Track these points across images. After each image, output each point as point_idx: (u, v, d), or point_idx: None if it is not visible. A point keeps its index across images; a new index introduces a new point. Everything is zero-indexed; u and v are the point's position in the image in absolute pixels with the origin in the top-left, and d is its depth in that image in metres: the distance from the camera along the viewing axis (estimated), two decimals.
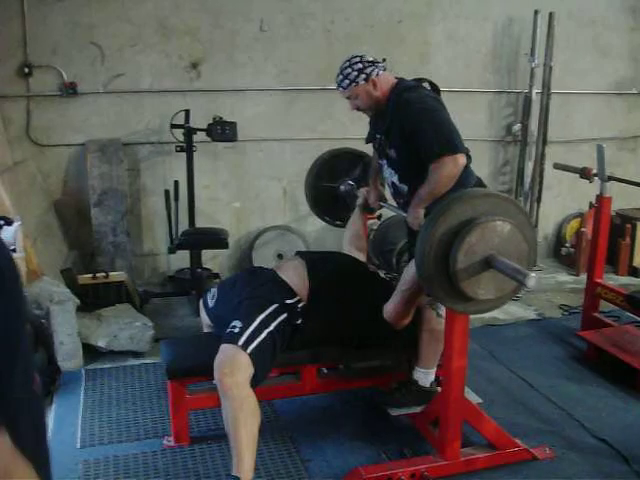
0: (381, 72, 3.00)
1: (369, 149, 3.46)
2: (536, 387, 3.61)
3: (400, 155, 3.04)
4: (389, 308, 2.91)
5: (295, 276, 2.98)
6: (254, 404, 2.56)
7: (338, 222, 3.95)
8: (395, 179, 3.14)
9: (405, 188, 3.09)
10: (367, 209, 3.58)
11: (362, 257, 3.47)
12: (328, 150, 3.99)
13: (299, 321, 2.86)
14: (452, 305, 2.51)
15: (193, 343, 3.16)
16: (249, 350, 2.62)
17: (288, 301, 2.86)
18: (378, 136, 3.14)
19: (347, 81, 2.99)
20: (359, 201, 3.55)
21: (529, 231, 2.47)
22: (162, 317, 4.47)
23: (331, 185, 3.80)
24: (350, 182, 3.71)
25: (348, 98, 3.08)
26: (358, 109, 3.13)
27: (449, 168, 2.79)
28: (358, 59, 3.00)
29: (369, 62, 2.99)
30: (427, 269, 2.40)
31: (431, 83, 3.10)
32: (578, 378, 3.73)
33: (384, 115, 3.05)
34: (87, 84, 4.76)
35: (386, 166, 3.18)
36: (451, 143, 2.83)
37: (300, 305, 2.88)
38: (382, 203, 3.49)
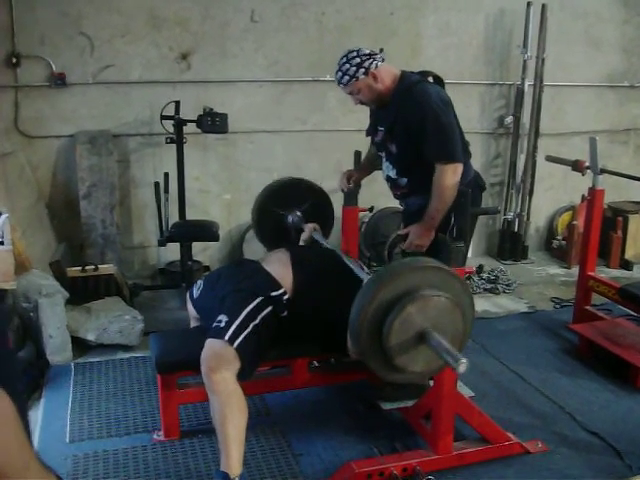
0: (380, 63, 2.98)
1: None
2: (528, 380, 3.60)
3: (401, 150, 3.03)
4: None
5: (280, 268, 2.94)
6: (241, 399, 2.54)
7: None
8: (393, 173, 3.13)
9: (405, 181, 3.10)
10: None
11: None
12: (285, 178, 3.88)
13: (285, 313, 2.83)
14: (380, 372, 2.42)
15: (183, 336, 3.14)
16: (235, 344, 2.59)
17: (273, 293, 2.82)
18: (380, 129, 3.12)
19: (347, 77, 2.96)
20: (304, 236, 3.45)
21: (470, 312, 2.39)
22: (152, 310, 4.44)
23: (280, 212, 3.64)
24: (298, 214, 3.60)
25: (350, 94, 3.05)
26: (361, 103, 3.11)
27: (448, 178, 2.86)
28: (355, 53, 2.96)
29: (366, 55, 2.96)
30: (362, 340, 2.31)
31: (435, 76, 3.08)
32: (570, 371, 3.73)
33: (388, 109, 3.03)
34: (76, 75, 4.71)
35: (384, 160, 3.17)
36: (450, 152, 2.88)
37: (285, 297, 2.85)
38: (324, 242, 3.34)
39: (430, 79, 3.05)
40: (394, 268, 2.40)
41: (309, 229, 3.44)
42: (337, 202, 3.73)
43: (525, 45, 5.45)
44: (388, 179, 3.20)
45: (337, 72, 2.99)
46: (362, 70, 2.93)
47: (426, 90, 2.93)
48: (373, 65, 2.95)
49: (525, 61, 5.49)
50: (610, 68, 5.94)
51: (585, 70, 5.84)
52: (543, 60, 5.48)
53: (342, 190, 3.54)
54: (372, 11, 5.21)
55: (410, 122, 2.92)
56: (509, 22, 5.56)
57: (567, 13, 5.68)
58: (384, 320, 2.26)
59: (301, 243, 3.46)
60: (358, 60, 2.94)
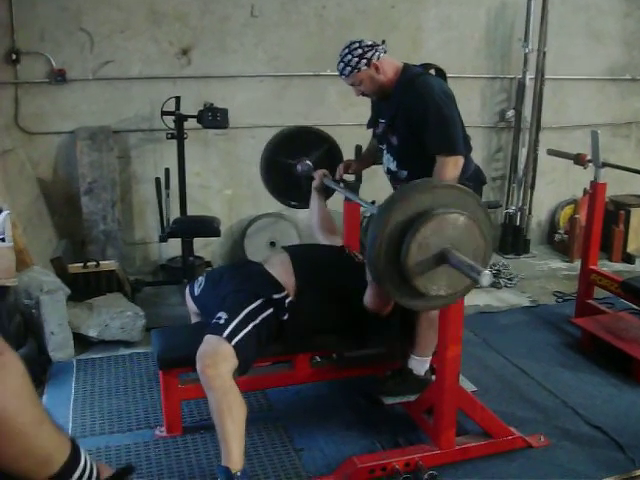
0: (382, 55, 2.97)
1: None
2: (530, 374, 3.60)
3: (402, 142, 3.03)
4: (367, 298, 2.87)
5: (282, 270, 2.93)
6: (237, 394, 2.53)
7: (293, 203, 3.80)
8: (393, 165, 3.12)
9: (405, 173, 3.09)
10: (323, 191, 3.47)
11: (337, 240, 3.41)
12: (291, 126, 3.83)
13: (286, 316, 2.82)
14: (400, 299, 2.41)
15: (185, 332, 3.13)
16: (233, 342, 2.58)
17: (275, 296, 2.80)
18: (382, 121, 3.11)
19: (349, 68, 2.95)
20: (315, 183, 3.43)
21: (487, 226, 2.36)
22: (154, 306, 4.43)
23: (288, 162, 3.60)
24: (308, 162, 3.56)
25: (352, 85, 3.05)
26: (363, 94, 3.10)
27: (449, 170, 2.85)
28: (357, 44, 2.96)
29: (368, 46, 2.96)
30: (378, 261, 2.29)
31: (438, 69, 3.07)
32: (572, 365, 3.72)
33: (390, 101, 3.02)
34: (76, 71, 4.70)
35: (385, 152, 3.16)
36: (451, 144, 2.87)
37: (287, 300, 2.83)
38: (335, 186, 3.34)
39: (432, 72, 3.04)
40: (405, 190, 2.38)
41: (319, 176, 3.40)
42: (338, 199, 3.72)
43: (526, 38, 5.43)
44: (388, 172, 3.19)
45: (339, 63, 2.98)
46: (364, 61, 2.93)
47: (428, 82, 2.92)
48: (375, 56, 2.94)
49: (526, 54, 5.47)
50: (612, 61, 5.92)
51: (586, 63, 5.82)
52: (544, 53, 5.46)
53: (337, 179, 3.50)
54: (373, 4, 5.20)
55: (412, 114, 2.91)
56: (510, 15, 5.54)
57: (568, 6, 5.66)
58: (401, 244, 2.23)
59: (313, 191, 3.44)
60: (360, 51, 2.93)
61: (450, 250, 2.23)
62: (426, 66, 3.07)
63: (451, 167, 2.86)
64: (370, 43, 2.97)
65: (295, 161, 3.58)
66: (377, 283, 2.46)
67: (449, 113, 2.89)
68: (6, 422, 0.86)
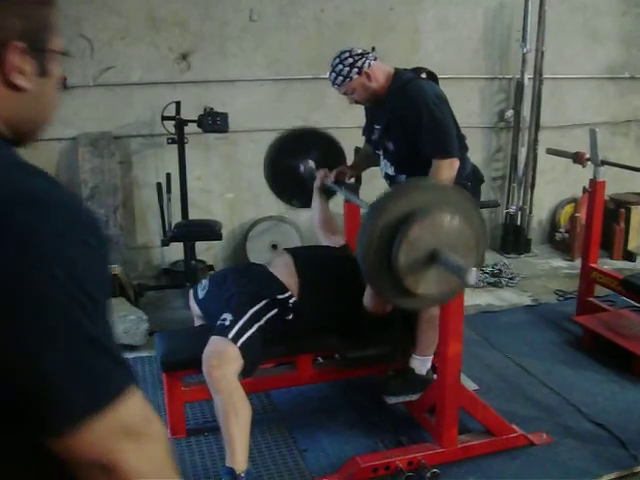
0: (373, 62, 2.99)
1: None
2: (532, 373, 3.61)
3: (398, 147, 3.04)
4: (366, 298, 2.90)
5: (286, 272, 2.97)
6: (243, 396, 2.56)
7: (294, 202, 3.81)
8: (391, 170, 3.14)
9: (403, 177, 3.11)
10: (325, 191, 3.50)
11: (339, 239, 3.43)
12: (290, 129, 3.83)
13: (290, 317, 2.85)
14: (392, 299, 2.44)
15: (188, 335, 3.15)
16: (239, 343, 2.61)
17: (279, 296, 2.84)
18: (377, 127, 3.13)
19: (340, 78, 2.97)
20: (316, 183, 3.45)
21: (477, 222, 2.39)
22: (157, 310, 4.45)
23: (291, 165, 3.62)
24: (310, 162, 3.58)
25: (344, 94, 3.07)
26: (357, 102, 3.12)
27: (444, 172, 2.87)
28: (347, 54, 2.98)
29: (359, 54, 2.97)
30: (369, 260, 2.31)
31: (429, 73, 3.09)
32: (574, 363, 3.74)
33: (383, 107, 3.04)
34: (77, 77, 4.72)
35: (382, 157, 3.18)
36: (445, 147, 2.89)
37: (291, 300, 2.87)
38: (336, 187, 3.37)
39: (423, 75, 3.06)
40: (396, 190, 2.40)
41: (320, 176, 3.43)
42: (339, 201, 3.74)
43: (524, 38, 5.44)
44: (387, 177, 3.21)
45: (331, 73, 3.00)
46: (355, 70, 2.95)
47: (421, 86, 2.94)
48: (366, 64, 2.96)
49: (524, 54, 5.48)
50: (610, 60, 5.93)
51: (585, 62, 5.83)
52: (542, 53, 5.47)
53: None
54: (371, 7, 5.21)
55: (406, 119, 2.93)
56: (508, 16, 5.56)
57: (565, 6, 5.67)
58: (392, 243, 2.25)
59: (314, 191, 3.45)
60: (351, 60, 2.95)
61: (440, 250, 2.24)
62: (417, 70, 3.08)
63: (446, 169, 2.88)
64: (360, 51, 2.99)
65: (298, 162, 3.60)
66: (369, 283, 2.48)
67: (441, 116, 2.90)
68: None
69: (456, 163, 2.91)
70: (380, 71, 3.01)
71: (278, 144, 3.64)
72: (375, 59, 3.01)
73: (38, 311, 0.78)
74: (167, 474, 0.90)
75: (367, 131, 3.27)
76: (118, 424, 0.83)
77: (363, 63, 2.95)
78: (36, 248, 0.79)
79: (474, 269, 2.13)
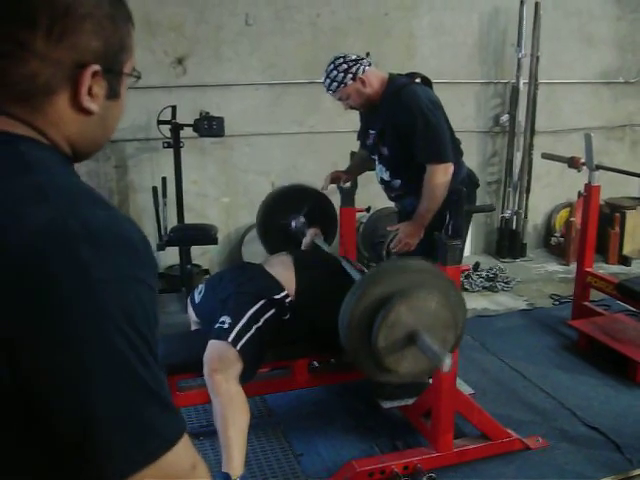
0: (367, 68, 3.00)
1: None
2: (528, 377, 3.62)
3: (393, 152, 3.05)
4: None
5: (283, 271, 2.97)
6: (243, 400, 2.56)
7: None
8: (386, 175, 3.15)
9: (398, 182, 3.12)
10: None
11: None
12: (281, 186, 3.94)
13: (287, 316, 2.85)
14: (374, 375, 2.49)
15: (183, 339, 3.14)
16: (239, 346, 2.61)
17: (276, 296, 2.84)
18: (372, 132, 3.14)
19: (335, 84, 2.98)
20: (305, 241, 3.48)
21: (456, 300, 2.42)
22: None
23: (283, 222, 3.68)
24: (302, 219, 3.63)
25: (339, 100, 3.08)
26: (352, 108, 3.13)
27: (439, 177, 2.90)
28: (342, 60, 2.99)
29: (353, 60, 2.98)
30: (351, 340, 2.39)
31: (423, 78, 3.10)
32: (569, 367, 3.74)
33: (378, 113, 3.05)
34: None
35: (377, 162, 3.19)
36: (440, 153, 2.91)
37: (288, 300, 2.87)
38: (326, 248, 3.42)
39: (417, 80, 3.07)
40: (383, 269, 2.45)
41: (310, 234, 3.47)
42: (337, 202, 3.75)
43: (519, 43, 5.46)
44: (382, 181, 3.22)
45: (325, 79, 3.01)
46: (350, 75, 2.96)
47: (415, 92, 2.95)
48: (360, 70, 2.97)
49: (520, 59, 5.50)
50: (605, 65, 5.95)
51: (580, 67, 5.85)
52: (537, 58, 5.49)
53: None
54: (366, 12, 5.22)
55: (400, 124, 2.94)
56: (503, 21, 5.57)
57: (560, 11, 5.69)
58: (373, 320, 2.30)
59: (303, 247, 3.47)
60: (345, 66, 2.96)
61: (419, 332, 2.28)
62: (411, 75, 3.10)
63: (441, 175, 2.90)
64: (354, 57, 3.00)
65: (289, 219, 3.65)
66: (351, 359, 2.52)
67: (436, 121, 2.92)
68: None
69: (450, 168, 2.93)
70: (374, 77, 3.02)
71: (268, 203, 3.71)
72: (369, 65, 3.02)
73: (94, 356, 0.75)
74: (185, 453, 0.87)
75: (362, 136, 3.28)
76: (167, 473, 0.81)
77: (357, 69, 2.96)
78: (99, 289, 0.75)
79: (449, 356, 2.18)
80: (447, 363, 2.16)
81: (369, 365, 2.40)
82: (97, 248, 0.77)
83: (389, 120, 2.98)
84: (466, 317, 2.48)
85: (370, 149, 3.22)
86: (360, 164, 3.51)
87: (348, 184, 3.61)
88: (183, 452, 0.84)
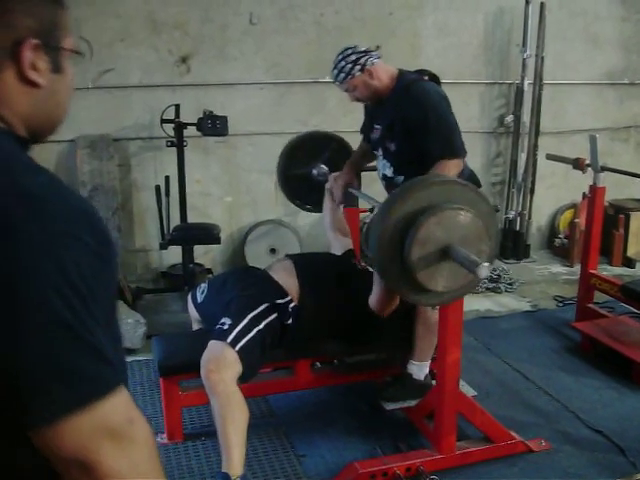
0: (376, 60, 2.98)
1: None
2: (531, 379, 3.60)
3: (400, 148, 3.03)
4: (372, 298, 2.89)
5: (286, 276, 2.96)
6: (241, 400, 2.55)
7: (308, 206, 3.88)
8: (389, 172, 3.12)
9: (401, 179, 3.10)
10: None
11: (348, 241, 3.43)
12: (296, 136, 3.89)
13: (290, 321, 2.84)
14: (406, 294, 2.45)
15: (186, 339, 3.14)
16: (237, 347, 2.60)
17: (279, 301, 2.83)
18: (377, 127, 3.12)
19: (342, 74, 2.97)
20: (328, 185, 3.48)
21: (486, 212, 2.39)
22: (154, 313, 4.43)
23: (303, 170, 3.70)
24: (322, 166, 3.63)
25: (346, 91, 3.06)
26: (358, 100, 3.12)
27: (452, 172, 2.87)
28: (350, 51, 2.97)
29: (362, 52, 2.97)
30: (382, 254, 2.33)
31: (432, 75, 3.08)
32: (573, 369, 3.72)
33: (386, 107, 3.03)
34: (76, 79, 4.62)
35: (381, 157, 3.17)
36: (454, 148, 2.89)
37: (291, 305, 2.86)
38: (350, 189, 3.42)
39: (426, 78, 3.05)
40: (410, 185, 2.41)
41: (331, 180, 3.46)
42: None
43: (524, 44, 5.45)
44: (384, 178, 3.19)
45: (333, 69, 3.00)
46: (358, 67, 2.94)
47: (425, 88, 2.94)
48: (369, 62, 2.95)
49: (524, 60, 5.48)
50: (610, 66, 5.93)
51: (585, 68, 5.84)
52: (542, 59, 5.48)
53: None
54: (371, 12, 5.21)
55: (410, 120, 2.91)
56: (508, 21, 5.56)
57: (565, 11, 5.68)
58: (405, 238, 2.26)
59: (325, 192, 3.48)
60: (354, 57, 2.95)
61: (453, 245, 2.25)
62: (420, 72, 3.08)
63: (453, 170, 2.87)
64: (363, 49, 2.99)
65: (310, 166, 3.65)
66: (381, 277, 2.48)
67: (448, 117, 2.91)
68: None
69: (462, 164, 2.93)
70: (383, 70, 3.00)
71: (289, 150, 3.71)
72: (379, 58, 3.01)
73: (21, 302, 0.79)
74: (149, 478, 0.89)
75: (366, 130, 3.27)
76: (100, 423, 0.84)
77: (366, 61, 2.95)
78: (26, 241, 0.80)
79: (486, 263, 2.14)
80: (485, 269, 2.12)
81: (401, 282, 2.36)
82: (27, 205, 0.82)
83: (398, 114, 2.96)
84: (498, 228, 2.45)
85: (375, 144, 3.19)
86: (360, 160, 3.48)
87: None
88: (120, 405, 0.87)
